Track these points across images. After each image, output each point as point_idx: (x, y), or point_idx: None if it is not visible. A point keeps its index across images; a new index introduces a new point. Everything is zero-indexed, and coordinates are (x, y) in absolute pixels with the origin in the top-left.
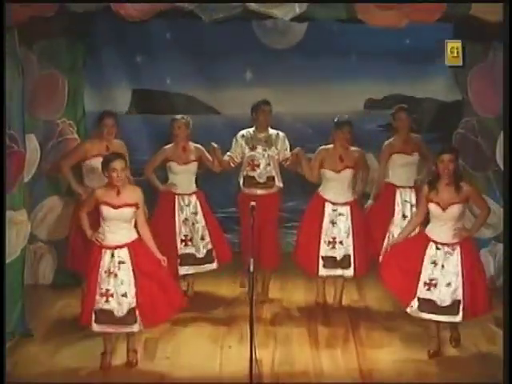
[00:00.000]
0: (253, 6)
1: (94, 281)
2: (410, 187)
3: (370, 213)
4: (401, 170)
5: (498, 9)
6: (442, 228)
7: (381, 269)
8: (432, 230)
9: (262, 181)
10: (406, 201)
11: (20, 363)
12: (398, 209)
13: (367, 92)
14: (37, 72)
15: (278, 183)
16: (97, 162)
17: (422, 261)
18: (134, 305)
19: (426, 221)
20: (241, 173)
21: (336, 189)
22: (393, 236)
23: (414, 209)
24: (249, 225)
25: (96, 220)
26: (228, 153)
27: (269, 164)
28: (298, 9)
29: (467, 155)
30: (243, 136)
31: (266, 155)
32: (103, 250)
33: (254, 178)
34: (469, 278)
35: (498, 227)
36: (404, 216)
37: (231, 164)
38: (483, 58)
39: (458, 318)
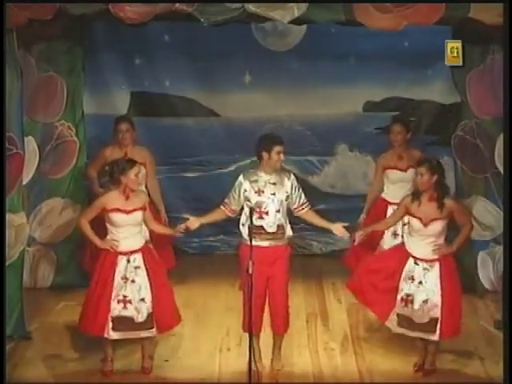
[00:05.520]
0: (251, 8)
1: (109, 288)
2: None
3: (362, 227)
4: (394, 186)
5: (497, 11)
6: (421, 243)
7: (353, 283)
8: (411, 245)
9: (271, 230)
10: None
11: (19, 366)
12: None
13: (366, 94)
14: (35, 74)
15: (289, 232)
16: None
17: (400, 275)
18: (151, 309)
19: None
20: (241, 221)
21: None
22: None
23: (406, 227)
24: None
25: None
26: (226, 199)
27: (278, 210)
28: (296, 11)
29: (466, 157)
30: (247, 178)
31: (275, 200)
32: (119, 257)
33: (261, 227)
34: (448, 296)
35: (496, 229)
36: (395, 234)
37: (228, 213)
38: (482, 60)
39: (435, 337)
